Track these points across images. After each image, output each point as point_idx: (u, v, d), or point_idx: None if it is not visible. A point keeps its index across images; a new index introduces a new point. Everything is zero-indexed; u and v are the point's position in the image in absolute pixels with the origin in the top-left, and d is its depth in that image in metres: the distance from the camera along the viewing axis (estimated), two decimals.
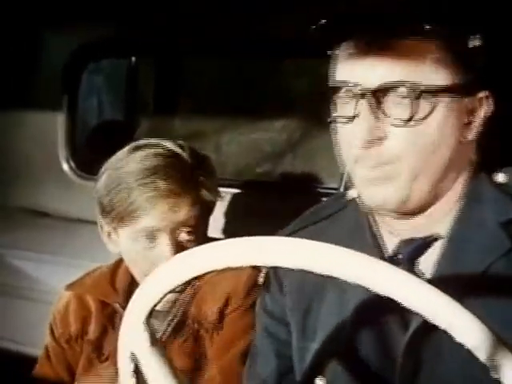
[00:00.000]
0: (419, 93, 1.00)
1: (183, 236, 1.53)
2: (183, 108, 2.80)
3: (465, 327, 0.70)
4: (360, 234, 1.14)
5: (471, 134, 1.06)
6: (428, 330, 1.00)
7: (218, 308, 1.54)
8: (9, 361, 2.18)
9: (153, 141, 1.58)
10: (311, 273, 0.75)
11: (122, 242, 1.57)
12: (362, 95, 1.02)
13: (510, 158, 1.13)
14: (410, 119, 1.01)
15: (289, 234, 1.23)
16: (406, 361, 1.05)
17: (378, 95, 1.02)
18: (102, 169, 1.58)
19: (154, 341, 0.85)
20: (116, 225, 1.55)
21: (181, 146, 1.57)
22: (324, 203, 1.29)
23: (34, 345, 2.11)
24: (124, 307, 1.54)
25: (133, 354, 0.84)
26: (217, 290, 1.55)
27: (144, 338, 0.84)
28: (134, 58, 2.66)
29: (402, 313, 1.04)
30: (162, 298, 0.83)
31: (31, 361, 1.81)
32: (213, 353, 1.54)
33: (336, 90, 1.07)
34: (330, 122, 1.10)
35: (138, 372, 0.86)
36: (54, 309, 1.72)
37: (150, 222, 1.50)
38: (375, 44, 1.01)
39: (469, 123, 1.06)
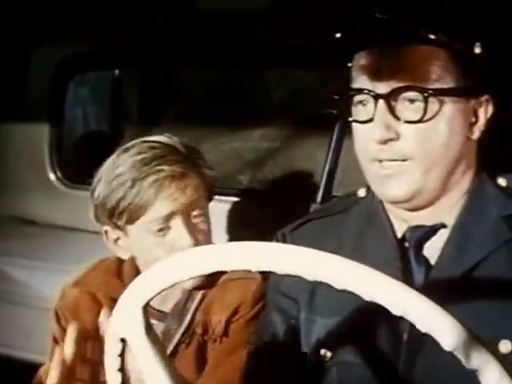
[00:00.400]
0: (427, 95, 1.09)
1: (196, 219, 1.51)
2: (166, 118, 2.82)
3: (444, 329, 0.71)
4: (376, 219, 1.23)
5: (476, 133, 1.16)
6: None
7: (225, 318, 1.51)
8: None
9: (139, 140, 1.56)
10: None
11: (134, 239, 1.52)
12: (376, 100, 1.12)
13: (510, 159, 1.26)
14: (419, 120, 1.10)
15: (300, 224, 1.31)
16: (412, 335, 1.11)
17: (390, 100, 1.11)
18: (97, 177, 1.54)
19: (149, 328, 0.84)
20: (125, 223, 1.50)
21: (169, 137, 1.55)
22: (333, 202, 1.38)
23: (24, 349, 2.15)
24: None
25: (123, 340, 0.84)
26: (226, 298, 1.52)
27: (139, 324, 0.83)
28: (117, 71, 2.69)
29: None
30: (164, 289, 0.82)
31: (22, 365, 1.81)
32: (212, 360, 1.52)
33: (352, 96, 1.17)
34: (349, 123, 1.20)
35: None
36: (58, 305, 1.66)
37: (160, 208, 1.46)
38: (387, 54, 1.11)
39: (474, 123, 1.16)
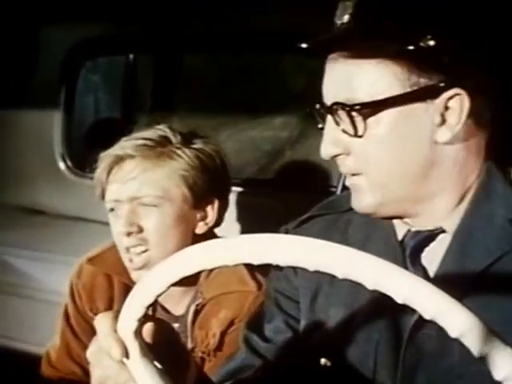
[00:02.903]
0: (348, 110, 1.02)
1: (147, 208, 1.47)
2: (181, 105, 2.78)
3: (450, 315, 0.68)
4: (380, 221, 1.15)
5: (446, 135, 1.03)
6: None
7: (220, 331, 1.50)
8: (2, 358, 2.16)
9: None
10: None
11: None
12: (322, 111, 1.08)
13: None
14: (355, 134, 1.03)
15: (306, 220, 1.25)
16: (412, 341, 1.05)
17: (333, 112, 1.05)
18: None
19: (145, 351, 0.83)
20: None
21: (170, 128, 1.54)
22: (338, 197, 1.30)
23: (28, 342, 2.13)
24: None
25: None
26: (221, 312, 1.51)
27: (135, 347, 0.82)
28: (131, 56, 2.65)
29: None
30: (151, 304, 0.81)
31: (24, 357, 1.80)
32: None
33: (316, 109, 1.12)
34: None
35: None
36: (75, 281, 1.66)
37: (109, 193, 1.49)
38: (335, 62, 1.04)
39: (441, 123, 1.03)
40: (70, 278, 1.67)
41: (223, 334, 1.49)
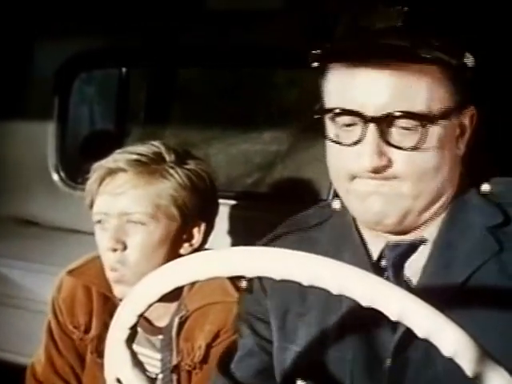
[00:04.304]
0: (425, 123, 1.01)
1: (132, 225, 1.47)
2: (174, 118, 2.79)
3: (444, 334, 0.69)
4: (349, 236, 1.14)
5: (462, 147, 1.09)
6: None
7: (205, 343, 1.49)
8: None
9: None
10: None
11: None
12: (367, 123, 1.02)
13: (496, 168, 1.15)
14: (415, 147, 1.02)
15: (273, 239, 1.22)
16: (395, 362, 1.05)
17: (382, 123, 1.01)
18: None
19: (136, 362, 0.83)
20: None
21: (165, 146, 1.53)
22: (308, 212, 1.27)
23: (21, 353, 2.10)
24: None
25: (119, 381, 0.83)
26: (206, 323, 1.49)
27: (126, 359, 0.82)
28: (124, 69, 2.66)
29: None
30: (141, 315, 0.81)
31: (17, 368, 1.79)
32: None
33: (334, 112, 1.06)
34: (326, 139, 1.09)
35: None
36: (55, 294, 1.65)
37: (98, 204, 1.49)
38: (374, 70, 1.01)
39: (460, 136, 1.08)
40: (52, 293, 1.66)
41: (209, 346, 1.48)
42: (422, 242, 1.09)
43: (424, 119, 1.01)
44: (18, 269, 2.27)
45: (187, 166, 1.52)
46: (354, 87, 1.03)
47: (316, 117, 1.09)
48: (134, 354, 0.83)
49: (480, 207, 1.09)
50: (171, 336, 1.52)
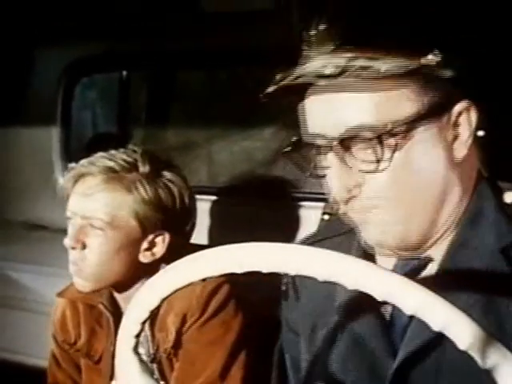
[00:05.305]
0: (381, 134, 0.91)
1: (89, 232, 1.49)
2: (175, 118, 2.81)
3: (459, 327, 0.69)
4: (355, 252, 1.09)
5: (461, 150, 0.97)
6: (416, 359, 0.99)
7: (175, 329, 1.50)
8: (5, 371, 2.19)
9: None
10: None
11: None
12: (328, 147, 0.94)
13: None
14: (379, 161, 0.92)
15: (311, 244, 1.17)
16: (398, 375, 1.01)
17: (344, 143, 0.93)
18: None
19: (144, 366, 0.84)
20: None
21: (144, 155, 1.54)
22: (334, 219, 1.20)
23: (30, 355, 2.15)
24: (106, 307, 1.55)
25: None
26: (174, 308, 1.49)
27: (135, 366, 0.83)
28: (125, 72, 2.68)
29: (390, 340, 1.03)
30: (145, 322, 0.82)
31: (27, 370, 1.81)
32: (175, 376, 1.51)
33: (305, 145, 0.98)
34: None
35: None
36: (53, 318, 1.70)
37: (70, 202, 1.52)
38: (332, 85, 0.92)
39: (454, 139, 0.97)
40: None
41: (179, 332, 1.50)
42: (430, 260, 1.03)
43: (376, 129, 0.91)
44: (27, 272, 2.30)
45: (159, 179, 1.53)
46: (308, 118, 0.97)
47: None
48: (141, 361, 0.84)
49: (495, 224, 0.99)
50: (144, 328, 1.55)
